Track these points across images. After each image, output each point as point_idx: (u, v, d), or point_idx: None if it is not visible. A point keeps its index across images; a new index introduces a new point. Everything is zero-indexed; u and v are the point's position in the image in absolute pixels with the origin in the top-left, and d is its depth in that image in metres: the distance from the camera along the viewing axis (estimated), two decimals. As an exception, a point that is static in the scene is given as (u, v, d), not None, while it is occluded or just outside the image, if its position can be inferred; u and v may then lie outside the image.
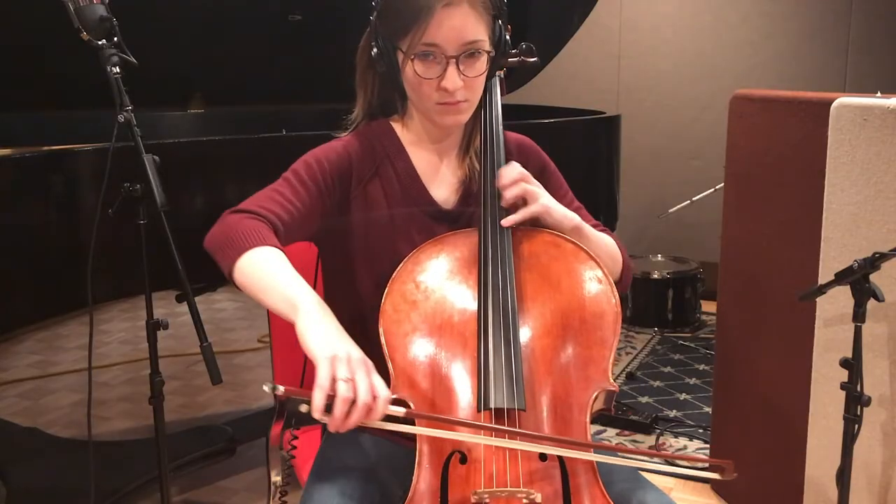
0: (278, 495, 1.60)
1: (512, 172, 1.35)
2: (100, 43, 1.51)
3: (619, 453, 1.23)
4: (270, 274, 1.18)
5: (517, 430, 1.17)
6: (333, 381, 1.03)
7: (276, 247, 1.22)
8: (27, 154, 2.03)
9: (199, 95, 3.07)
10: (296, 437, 1.61)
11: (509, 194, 1.33)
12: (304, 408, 1.04)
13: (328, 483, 1.30)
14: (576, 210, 1.47)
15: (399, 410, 1.10)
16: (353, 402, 1.03)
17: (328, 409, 1.03)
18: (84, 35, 1.50)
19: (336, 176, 1.37)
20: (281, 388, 1.04)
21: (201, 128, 3.07)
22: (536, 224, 1.38)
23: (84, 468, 1.64)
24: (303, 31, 2.96)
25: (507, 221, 1.33)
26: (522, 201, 1.35)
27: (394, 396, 1.11)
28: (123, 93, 1.50)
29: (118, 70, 1.50)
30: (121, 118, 1.48)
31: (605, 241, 1.45)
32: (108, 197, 1.54)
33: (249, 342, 4.06)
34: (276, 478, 1.64)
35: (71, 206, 2.04)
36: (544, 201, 1.35)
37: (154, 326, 1.57)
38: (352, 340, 1.11)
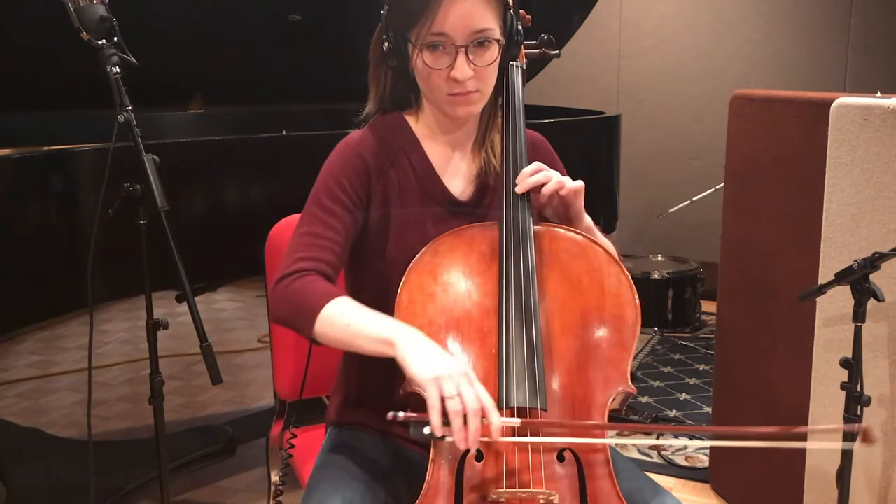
0: (274, 494, 1.60)
1: (533, 165, 1.34)
2: (100, 43, 1.50)
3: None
4: (352, 324, 1.21)
5: (538, 420, 1.17)
6: (442, 399, 1.08)
7: (338, 294, 1.24)
8: (27, 154, 2.03)
9: (199, 95, 3.07)
10: (294, 436, 1.61)
11: (531, 179, 1.32)
12: (426, 430, 1.09)
13: (329, 484, 1.29)
14: None
15: (513, 421, 1.13)
16: (466, 414, 1.07)
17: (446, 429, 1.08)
18: (84, 35, 1.50)
19: (359, 187, 1.36)
20: (401, 414, 1.12)
21: (201, 128, 3.07)
22: (553, 215, 1.38)
23: (84, 468, 1.64)
24: (303, 31, 2.96)
25: (522, 187, 1.32)
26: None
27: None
28: (123, 93, 1.50)
29: (118, 70, 1.50)
30: (121, 118, 1.48)
31: (605, 242, 1.45)
32: (108, 197, 1.54)
33: (249, 342, 4.06)
34: (275, 477, 1.64)
35: (71, 206, 2.04)
36: (569, 185, 1.34)
37: (154, 326, 1.57)
38: (451, 356, 1.17)
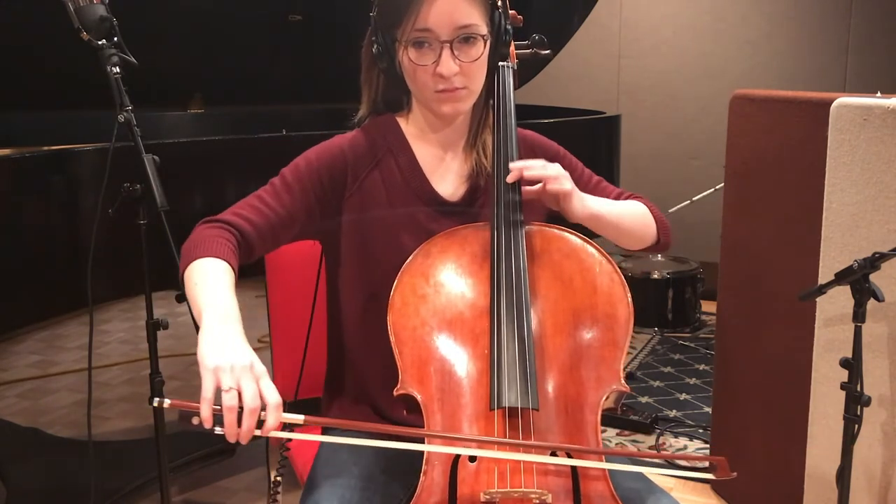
0: (273, 494, 1.60)
1: (520, 162, 1.32)
2: (100, 43, 1.51)
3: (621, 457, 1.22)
4: (197, 284, 1.19)
5: (519, 441, 1.15)
6: (217, 391, 1.02)
7: (222, 257, 1.22)
8: (27, 154, 2.03)
9: (199, 95, 3.07)
10: (288, 449, 1.60)
11: (513, 175, 1.30)
12: (195, 420, 1.02)
13: (327, 484, 1.29)
14: (595, 184, 1.46)
15: (296, 418, 1.07)
16: (242, 410, 1.02)
17: (220, 420, 1.02)
18: (84, 35, 1.50)
19: (327, 175, 1.36)
20: (167, 402, 1.04)
21: (201, 128, 3.08)
22: (551, 214, 1.38)
23: (84, 468, 1.64)
24: (303, 31, 2.96)
25: (512, 176, 1.30)
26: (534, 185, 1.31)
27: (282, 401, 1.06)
28: (123, 93, 1.50)
29: (118, 70, 1.50)
30: (121, 118, 1.49)
31: (630, 211, 1.43)
32: (108, 197, 1.54)
33: (249, 342, 4.05)
34: (275, 477, 1.64)
35: (71, 206, 2.04)
36: (560, 183, 1.30)
37: (154, 326, 1.57)
38: (244, 347, 1.09)
